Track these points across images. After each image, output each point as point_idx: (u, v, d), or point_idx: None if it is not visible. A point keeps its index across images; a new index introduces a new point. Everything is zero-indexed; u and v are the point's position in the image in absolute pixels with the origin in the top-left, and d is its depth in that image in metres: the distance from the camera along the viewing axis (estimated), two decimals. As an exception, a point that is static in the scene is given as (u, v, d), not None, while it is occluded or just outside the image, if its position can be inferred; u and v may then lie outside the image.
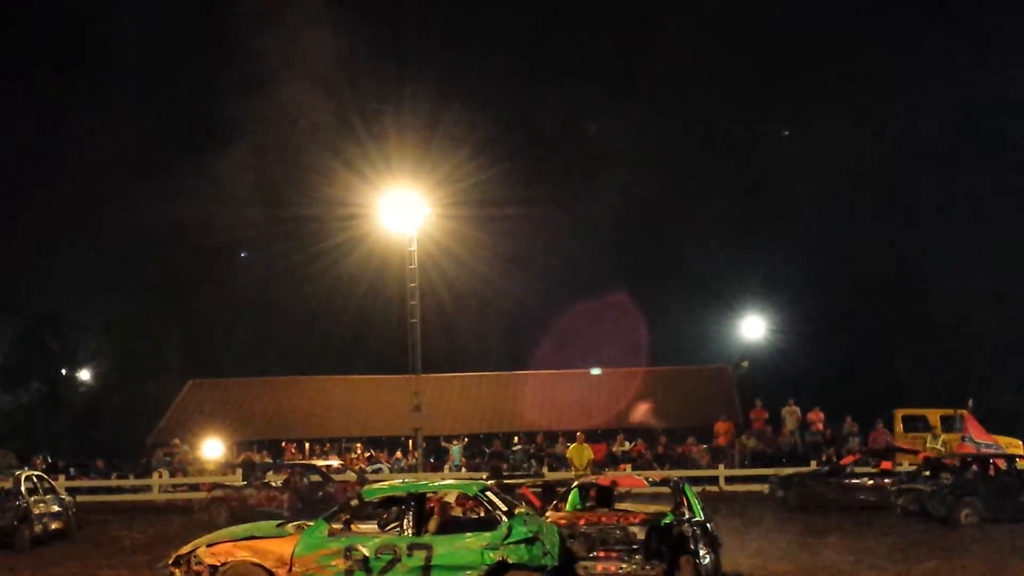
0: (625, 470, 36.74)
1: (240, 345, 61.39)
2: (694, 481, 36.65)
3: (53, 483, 28.46)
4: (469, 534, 15.66)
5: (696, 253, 63.55)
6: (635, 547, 16.84)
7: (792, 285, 59.85)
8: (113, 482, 40.01)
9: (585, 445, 35.27)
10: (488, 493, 16.33)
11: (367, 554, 15.45)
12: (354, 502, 16.62)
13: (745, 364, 54.18)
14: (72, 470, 41.26)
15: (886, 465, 31.44)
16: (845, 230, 62.31)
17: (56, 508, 26.43)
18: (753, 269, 62.15)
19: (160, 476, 39.46)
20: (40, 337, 64.55)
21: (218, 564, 15.65)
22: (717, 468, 38.09)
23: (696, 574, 16.62)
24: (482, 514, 16.59)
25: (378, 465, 41.17)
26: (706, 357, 55.44)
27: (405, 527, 15.72)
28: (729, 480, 37.37)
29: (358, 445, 45.31)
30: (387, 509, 16.81)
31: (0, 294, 62.18)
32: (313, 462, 35.12)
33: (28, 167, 67.28)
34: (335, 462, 36.26)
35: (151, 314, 62.08)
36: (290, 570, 15.47)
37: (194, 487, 37.63)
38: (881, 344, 57.86)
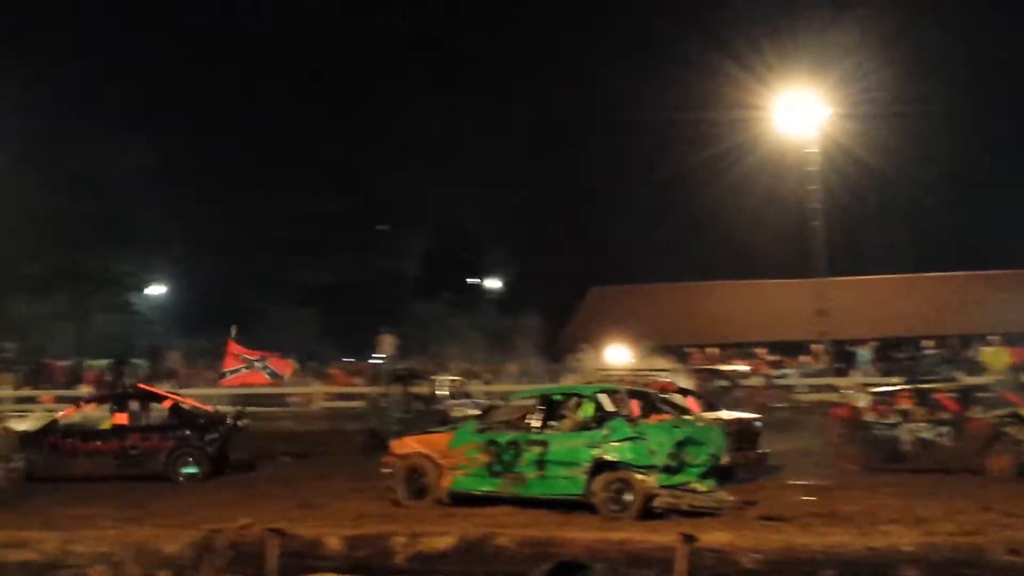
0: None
1: (639, 251, 61.96)
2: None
3: (470, 387, 29.60)
4: (581, 433, 16.97)
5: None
6: None
7: None
8: (525, 387, 41.06)
9: (1003, 348, 33.79)
10: (601, 395, 17.34)
11: (502, 447, 17.17)
12: (500, 403, 18.88)
13: None
14: (487, 375, 42.73)
15: None
16: None
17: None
18: None
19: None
20: (449, 248, 67.32)
21: (402, 454, 17.94)
22: None
23: None
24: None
25: (784, 370, 40.69)
26: None
27: (532, 425, 17.31)
28: None
29: (757, 350, 44.91)
30: (531, 410, 17.82)
31: (411, 208, 65.09)
32: (718, 367, 35.05)
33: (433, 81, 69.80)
34: (742, 367, 36.07)
35: (553, 222, 63.57)
36: (447, 460, 17.45)
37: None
38: None
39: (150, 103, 63.61)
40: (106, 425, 22.86)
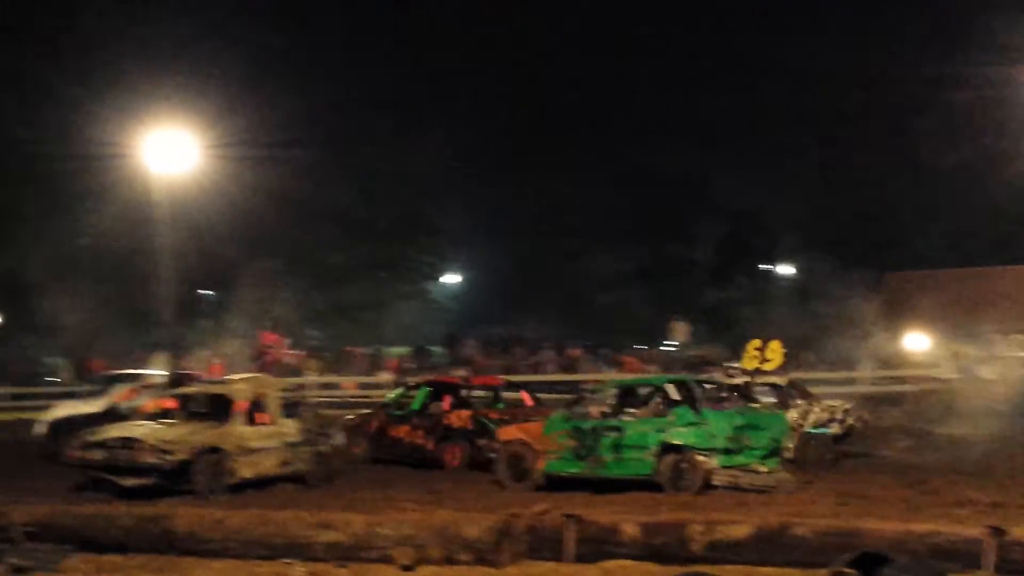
0: None
1: (934, 235, 60.31)
2: None
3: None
4: (650, 420, 18.86)
5: None
6: None
7: None
8: (820, 374, 40.41)
9: None
10: (670, 386, 19.07)
11: (585, 433, 18.88)
12: (587, 394, 21.11)
13: None
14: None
15: None
16: None
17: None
18: None
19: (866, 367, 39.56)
20: (742, 234, 66.72)
21: (505, 440, 19.70)
22: None
23: None
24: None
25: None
26: None
27: (612, 412, 19.27)
28: None
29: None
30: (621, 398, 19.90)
31: (706, 195, 64.79)
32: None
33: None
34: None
35: (843, 207, 62.36)
36: (541, 446, 19.15)
37: (899, 379, 37.42)
38: None
39: (450, 101, 65.24)
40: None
